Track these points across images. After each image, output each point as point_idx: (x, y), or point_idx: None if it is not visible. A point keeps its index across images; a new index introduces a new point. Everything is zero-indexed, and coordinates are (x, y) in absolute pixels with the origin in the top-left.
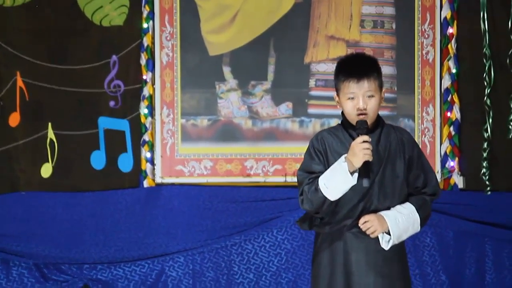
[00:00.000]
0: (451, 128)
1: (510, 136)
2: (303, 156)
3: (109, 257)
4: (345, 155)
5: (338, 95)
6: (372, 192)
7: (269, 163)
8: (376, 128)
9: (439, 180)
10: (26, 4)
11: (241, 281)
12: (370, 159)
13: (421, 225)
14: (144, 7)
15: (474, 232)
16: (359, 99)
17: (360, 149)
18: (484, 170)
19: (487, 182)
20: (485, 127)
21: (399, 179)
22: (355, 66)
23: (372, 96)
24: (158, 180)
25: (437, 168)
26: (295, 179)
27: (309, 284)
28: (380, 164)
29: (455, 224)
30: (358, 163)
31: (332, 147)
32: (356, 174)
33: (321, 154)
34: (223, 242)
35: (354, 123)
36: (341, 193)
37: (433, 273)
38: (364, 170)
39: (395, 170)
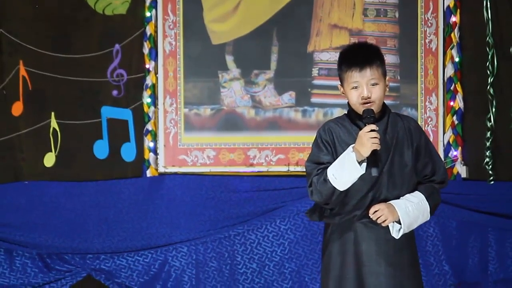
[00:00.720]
0: (454, 118)
1: None
2: (305, 146)
3: (112, 247)
4: (353, 145)
5: (342, 85)
6: (381, 182)
7: (272, 153)
8: (382, 116)
9: None
10: None
11: (244, 271)
12: (378, 148)
13: (431, 213)
14: None
15: (477, 222)
16: (363, 88)
17: (368, 138)
18: (487, 159)
19: (490, 172)
20: (488, 116)
21: (407, 167)
22: (357, 55)
23: (376, 84)
24: (161, 169)
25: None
26: (298, 168)
27: (312, 274)
28: (388, 153)
29: (458, 214)
30: (366, 153)
31: (339, 137)
32: (364, 164)
33: (328, 145)
34: (226, 232)
35: (360, 112)
36: (350, 183)
37: (436, 263)
38: (373, 159)
39: (403, 158)
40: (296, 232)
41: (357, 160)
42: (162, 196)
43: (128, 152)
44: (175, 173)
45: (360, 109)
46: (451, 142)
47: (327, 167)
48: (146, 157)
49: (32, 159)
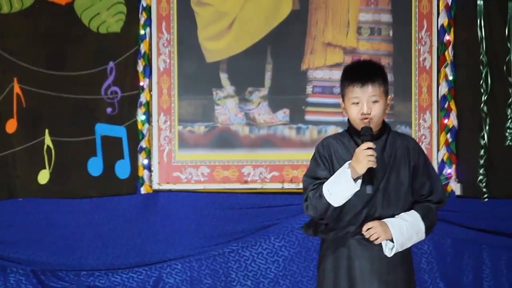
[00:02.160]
0: (448, 135)
1: (507, 143)
2: (300, 163)
3: (107, 264)
4: (350, 161)
5: (343, 101)
6: (376, 199)
7: (266, 170)
8: (381, 134)
9: None
10: (24, 11)
11: None
12: (374, 165)
13: (426, 233)
14: (141, 14)
15: (472, 239)
16: (363, 104)
17: (364, 156)
18: (481, 177)
19: (484, 189)
20: (482, 134)
21: (403, 186)
22: (360, 71)
23: (377, 101)
24: (156, 186)
25: None
26: (292, 185)
27: None
28: (385, 171)
29: (452, 231)
30: (362, 170)
31: (337, 153)
32: (359, 181)
33: (326, 160)
34: (220, 249)
35: (359, 128)
36: (345, 199)
37: (431, 280)
38: (368, 177)
39: (399, 177)
40: (290, 249)
41: (352, 177)
42: (156, 213)
43: (122, 169)
44: (169, 190)
45: (359, 125)
46: (445, 160)
47: (323, 183)
48: (140, 174)
49: (26, 176)
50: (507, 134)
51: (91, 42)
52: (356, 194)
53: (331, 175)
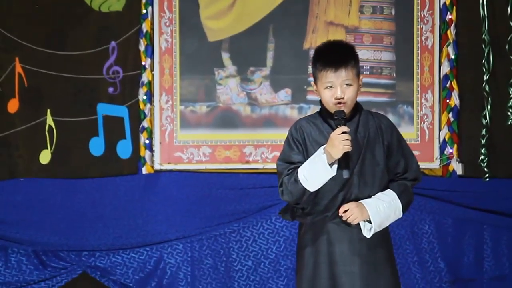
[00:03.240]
0: (450, 115)
1: (509, 123)
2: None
3: (108, 244)
4: (324, 146)
5: (316, 83)
6: (352, 182)
7: (268, 150)
8: (354, 115)
9: (437, 166)
10: None
11: (240, 268)
12: (350, 149)
13: (404, 211)
14: None
15: (473, 219)
16: (337, 88)
17: (340, 141)
18: (482, 156)
19: (485, 169)
20: (484, 113)
21: (379, 166)
22: (332, 55)
23: (350, 84)
24: (157, 166)
25: (436, 154)
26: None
27: None
28: (359, 152)
29: (453, 211)
30: (337, 155)
31: (310, 136)
32: (335, 165)
33: (299, 144)
34: (221, 229)
35: (332, 111)
36: (321, 184)
37: (432, 260)
38: (344, 161)
39: (374, 157)
40: (291, 229)
41: (328, 162)
42: (157, 193)
43: (124, 149)
44: (171, 170)
45: (332, 109)
46: (447, 139)
47: (298, 167)
48: (142, 154)
49: (28, 156)
50: (509, 113)
51: (93, 21)
52: (332, 177)
53: (305, 159)
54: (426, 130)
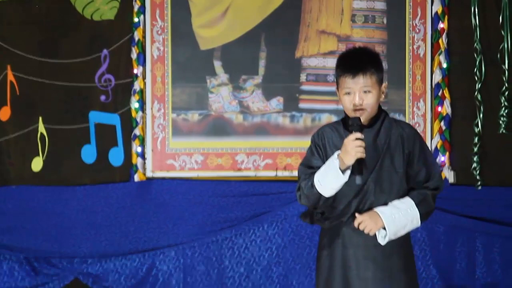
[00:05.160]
0: (442, 123)
1: (501, 131)
2: (293, 151)
3: (100, 251)
4: (338, 152)
5: (337, 89)
6: (367, 188)
7: (260, 158)
8: (375, 122)
9: None
10: None
11: (232, 275)
12: (363, 156)
13: (422, 220)
14: (135, 1)
15: (465, 227)
16: (355, 95)
17: (353, 147)
18: (474, 164)
19: (477, 177)
20: (476, 122)
21: (397, 174)
22: (352, 61)
23: (369, 91)
24: (149, 174)
25: None
26: (286, 173)
27: (299, 278)
28: (377, 159)
29: (445, 218)
30: (350, 161)
31: (331, 142)
32: (348, 172)
33: (320, 149)
34: (214, 237)
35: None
36: (334, 190)
37: (424, 267)
38: (357, 167)
39: (393, 165)
40: (283, 237)
41: (340, 168)
42: (149, 200)
43: (116, 157)
44: (163, 178)
45: (352, 115)
46: (438, 147)
47: (315, 172)
48: (134, 162)
49: (20, 163)
50: (500, 122)
51: (85, 29)
52: (348, 183)
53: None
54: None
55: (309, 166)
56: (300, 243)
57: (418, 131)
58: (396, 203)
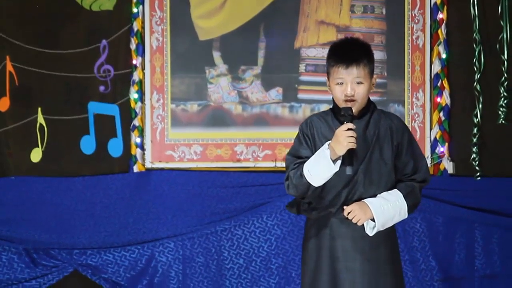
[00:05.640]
0: (441, 114)
1: (500, 121)
2: (292, 142)
3: (99, 242)
4: (329, 141)
5: (328, 79)
6: (357, 179)
7: (259, 148)
8: (365, 114)
9: (429, 165)
10: None
11: (231, 266)
12: (354, 147)
13: (409, 212)
14: None
15: (464, 218)
16: (347, 85)
17: (344, 137)
18: (473, 155)
19: (476, 168)
20: (475, 112)
21: (386, 165)
22: (345, 52)
23: (361, 82)
24: (148, 165)
25: (427, 153)
26: (285, 164)
27: (299, 269)
28: (367, 150)
29: (444, 209)
30: (341, 151)
31: (320, 132)
32: (339, 162)
33: (309, 139)
34: (213, 228)
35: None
36: (324, 180)
37: (423, 258)
38: (348, 158)
39: (382, 157)
40: (283, 228)
41: (331, 158)
42: (149, 191)
43: (115, 147)
44: (162, 169)
45: (342, 105)
46: (438, 138)
47: (305, 162)
48: (133, 152)
49: (19, 154)
50: (500, 112)
51: (84, 20)
52: (337, 173)
53: (313, 154)
54: (417, 129)
55: (297, 156)
56: (299, 234)
57: (416, 122)
58: (384, 194)
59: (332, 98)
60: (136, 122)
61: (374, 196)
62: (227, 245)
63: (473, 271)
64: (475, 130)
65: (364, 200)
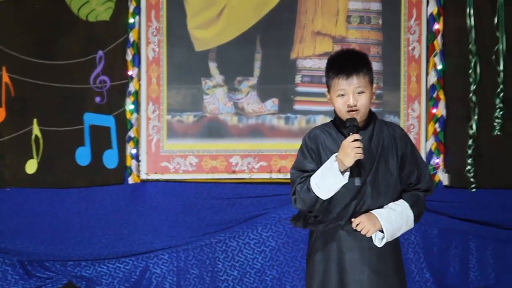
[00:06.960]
0: (437, 125)
1: (495, 133)
2: (288, 153)
3: (94, 254)
4: (336, 154)
5: (329, 92)
6: (364, 191)
7: (254, 160)
8: (368, 124)
9: None
10: None
11: (225, 278)
12: (362, 157)
13: (415, 221)
14: (131, 2)
15: (459, 230)
16: (349, 96)
17: (352, 149)
18: (469, 167)
19: (472, 179)
20: (470, 123)
21: (392, 176)
22: (344, 63)
23: (362, 92)
24: (143, 176)
25: None
26: (280, 175)
27: (293, 281)
28: (373, 161)
29: (439, 221)
30: (349, 163)
31: (324, 145)
32: (347, 173)
33: (313, 152)
34: (207, 239)
35: (345, 119)
36: (333, 192)
37: (417, 270)
38: (356, 169)
39: (388, 167)
40: (277, 240)
41: (340, 170)
42: (144, 203)
43: (110, 159)
44: (157, 180)
45: (345, 116)
46: (433, 149)
47: (311, 175)
48: (128, 164)
49: (14, 165)
50: (495, 123)
51: (80, 30)
52: (345, 186)
53: (319, 167)
54: (412, 140)
55: (303, 170)
56: (294, 245)
57: (412, 133)
58: (391, 205)
59: (334, 110)
60: (132, 133)
61: (381, 207)
62: (222, 256)
63: (467, 283)
64: (470, 142)
65: (372, 211)
